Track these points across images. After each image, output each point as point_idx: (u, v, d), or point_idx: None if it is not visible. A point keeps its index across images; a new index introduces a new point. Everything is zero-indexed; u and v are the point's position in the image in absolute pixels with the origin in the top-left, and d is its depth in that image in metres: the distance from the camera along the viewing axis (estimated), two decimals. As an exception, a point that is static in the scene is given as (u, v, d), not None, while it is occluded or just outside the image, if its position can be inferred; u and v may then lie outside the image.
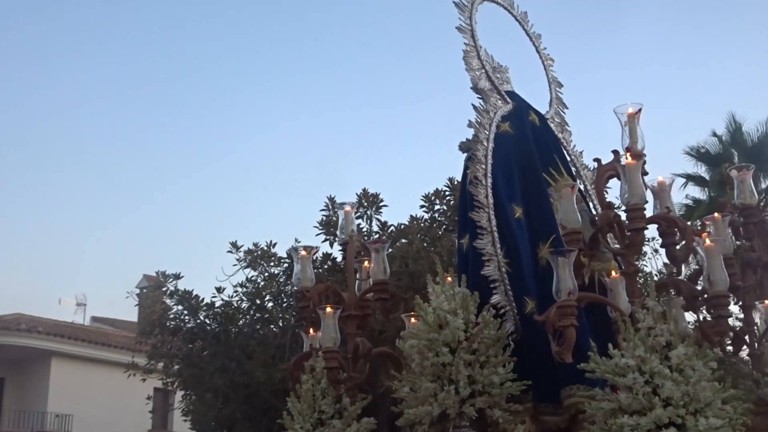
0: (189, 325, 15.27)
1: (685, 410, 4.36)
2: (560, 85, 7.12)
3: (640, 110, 5.37)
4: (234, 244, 14.67)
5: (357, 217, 13.87)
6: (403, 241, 12.45)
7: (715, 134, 21.61)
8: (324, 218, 13.47)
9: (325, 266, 13.30)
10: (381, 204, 13.50)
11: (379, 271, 6.14)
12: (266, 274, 14.65)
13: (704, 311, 5.40)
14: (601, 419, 4.50)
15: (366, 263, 6.49)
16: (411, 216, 12.74)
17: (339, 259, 13.32)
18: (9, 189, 42.03)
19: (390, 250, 8.19)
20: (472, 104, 6.12)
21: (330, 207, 13.45)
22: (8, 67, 43.09)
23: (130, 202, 47.13)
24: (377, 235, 13.55)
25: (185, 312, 15.30)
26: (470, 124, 6.02)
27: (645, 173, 5.17)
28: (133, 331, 30.65)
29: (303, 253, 6.40)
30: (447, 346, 5.25)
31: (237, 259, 14.57)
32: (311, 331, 6.48)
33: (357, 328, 6.13)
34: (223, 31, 47.38)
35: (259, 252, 14.69)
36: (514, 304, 5.60)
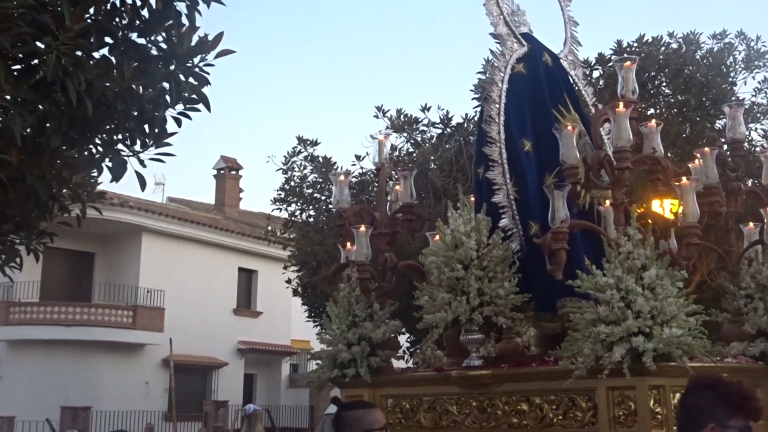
0: (325, 195, 14.66)
1: (653, 321, 5.25)
2: (576, 24, 7.77)
3: (635, 62, 6.11)
4: (380, 109, 13.80)
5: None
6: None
7: None
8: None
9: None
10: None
11: (406, 195, 7.01)
12: (412, 141, 13.79)
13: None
14: (584, 327, 5.42)
15: (396, 187, 7.35)
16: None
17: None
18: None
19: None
20: (489, 49, 6.87)
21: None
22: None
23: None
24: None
25: (321, 181, 14.73)
26: (485, 67, 6.77)
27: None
28: (210, 212, 31.63)
29: (341, 178, 7.26)
30: (461, 263, 6.19)
31: (388, 123, 13.60)
32: (348, 245, 7.42)
33: (387, 244, 7.04)
34: None
35: (405, 118, 13.74)
36: (521, 227, 6.48)
